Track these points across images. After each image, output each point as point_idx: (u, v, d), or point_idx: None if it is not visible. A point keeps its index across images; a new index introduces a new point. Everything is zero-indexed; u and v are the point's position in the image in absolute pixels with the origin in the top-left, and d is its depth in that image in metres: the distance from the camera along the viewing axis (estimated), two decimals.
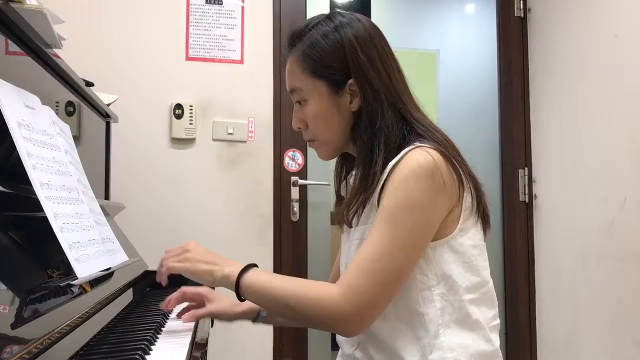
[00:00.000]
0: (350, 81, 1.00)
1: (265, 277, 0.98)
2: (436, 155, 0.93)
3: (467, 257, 0.98)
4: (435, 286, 0.96)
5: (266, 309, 1.07)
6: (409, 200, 0.91)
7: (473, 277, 0.98)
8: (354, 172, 1.05)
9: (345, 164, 1.17)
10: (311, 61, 1.01)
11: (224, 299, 1.17)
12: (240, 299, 0.98)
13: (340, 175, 1.17)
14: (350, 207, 1.01)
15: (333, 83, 1.01)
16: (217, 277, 0.98)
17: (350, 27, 1.01)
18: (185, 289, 1.14)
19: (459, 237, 0.97)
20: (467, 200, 0.98)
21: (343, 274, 0.95)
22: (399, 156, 0.94)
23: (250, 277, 0.97)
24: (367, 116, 1.00)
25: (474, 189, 0.99)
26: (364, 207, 0.99)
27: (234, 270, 0.98)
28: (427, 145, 0.95)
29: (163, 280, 1.02)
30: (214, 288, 1.20)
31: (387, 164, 0.96)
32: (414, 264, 0.94)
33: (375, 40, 1.02)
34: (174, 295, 1.12)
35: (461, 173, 0.96)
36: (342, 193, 1.16)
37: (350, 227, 1.04)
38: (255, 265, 1.00)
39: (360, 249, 0.94)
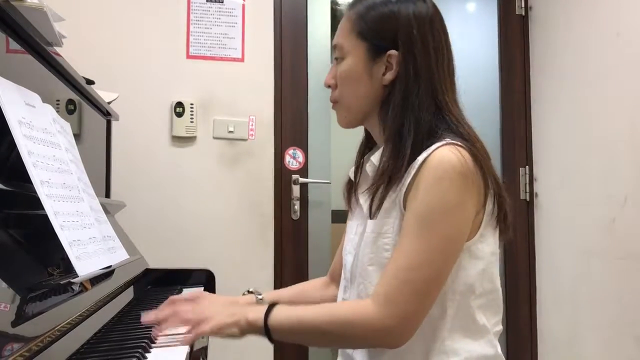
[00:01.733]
0: (391, 52, 0.98)
1: (293, 312, 0.94)
2: (467, 155, 0.91)
3: (485, 264, 0.96)
4: (450, 292, 0.94)
5: (301, 342, 1.02)
6: (443, 204, 0.89)
7: (487, 284, 0.97)
8: (372, 159, 1.01)
9: (368, 145, 1.13)
10: (362, 22, 1.01)
11: (217, 299, 1.10)
12: (272, 341, 0.93)
13: (362, 154, 1.13)
14: (376, 189, 0.97)
15: (373, 48, 1.00)
16: (242, 326, 0.92)
17: (413, 4, 1.00)
18: (174, 299, 1.04)
19: (479, 243, 0.95)
20: (489, 205, 0.95)
21: (379, 286, 0.92)
22: (428, 151, 0.92)
23: (277, 315, 0.92)
24: (403, 90, 0.98)
25: (496, 193, 0.96)
26: (386, 194, 0.96)
27: (258, 314, 0.93)
28: (458, 143, 0.92)
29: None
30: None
31: (415, 150, 0.93)
32: (451, 267, 0.92)
33: (433, 22, 1.01)
34: (165, 311, 0.98)
35: (487, 176, 0.94)
36: (357, 175, 1.12)
37: (371, 218, 0.99)
38: (275, 304, 0.95)
39: (394, 257, 0.92)
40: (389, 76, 0.99)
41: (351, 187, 1.12)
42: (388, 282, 0.90)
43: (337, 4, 2.47)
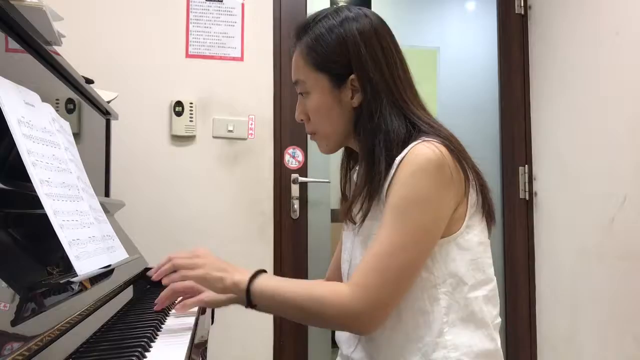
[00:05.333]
0: (352, 76, 1.00)
1: (275, 282, 0.97)
2: (443, 149, 0.93)
3: (474, 254, 0.97)
4: (441, 284, 0.95)
5: (278, 313, 1.05)
6: (417, 195, 0.91)
7: (479, 274, 0.98)
8: (357, 168, 1.06)
9: (350, 159, 1.16)
10: (315, 54, 1.02)
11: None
12: (252, 305, 0.96)
13: (346, 170, 1.16)
14: (354, 203, 1.00)
15: (335, 77, 1.01)
16: (227, 284, 0.95)
17: (356, 22, 1.01)
18: (173, 285, 1.10)
19: (466, 234, 0.97)
20: (473, 196, 0.98)
21: (354, 272, 0.94)
22: (405, 151, 0.94)
23: (261, 282, 0.95)
24: (367, 112, 1.00)
25: (478, 185, 0.99)
26: (370, 203, 0.98)
27: (243, 277, 0.96)
28: (434, 140, 0.94)
29: (162, 303, 1.02)
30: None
31: (392, 160, 0.95)
32: (424, 259, 0.94)
33: (380, 36, 1.02)
34: (164, 293, 1.06)
35: (467, 168, 0.96)
36: (346, 189, 1.16)
37: (355, 223, 1.03)
38: (264, 271, 0.99)
39: (370, 246, 0.94)
40: (357, 99, 1.01)
41: (345, 201, 1.14)
42: (362, 268, 0.93)
43: (336, 3, 2.47)
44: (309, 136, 1.13)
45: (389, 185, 0.95)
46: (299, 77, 1.05)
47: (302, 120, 1.09)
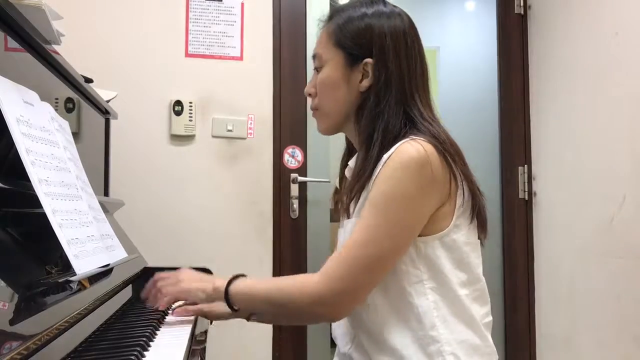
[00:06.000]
0: (366, 60, 1.03)
1: (251, 281, 1.03)
2: (429, 148, 0.94)
3: (459, 253, 0.99)
4: (426, 280, 0.97)
5: (256, 311, 1.09)
6: (395, 190, 0.93)
7: (462, 273, 0.99)
8: (350, 164, 1.09)
9: (351, 153, 1.18)
10: (340, 33, 1.06)
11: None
12: (232, 308, 1.02)
13: (345, 163, 1.18)
14: (350, 195, 1.03)
15: (350, 56, 1.04)
16: (208, 291, 1.02)
17: (387, 18, 1.05)
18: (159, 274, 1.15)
19: (453, 233, 0.98)
20: (461, 197, 0.98)
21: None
22: (392, 149, 0.96)
23: (238, 284, 1.01)
24: (375, 98, 1.02)
25: (468, 190, 1.00)
26: (358, 198, 1.00)
27: (223, 282, 1.02)
28: (421, 138, 0.96)
29: (162, 306, 1.07)
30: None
31: (382, 152, 0.97)
32: (399, 254, 0.95)
33: (407, 34, 1.05)
34: (149, 285, 1.14)
35: (455, 170, 0.97)
36: (343, 183, 1.17)
37: (349, 217, 1.04)
38: (244, 275, 1.04)
39: (346, 238, 0.97)
40: (365, 83, 1.04)
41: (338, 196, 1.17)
42: (333, 257, 0.96)
43: (336, 2, 2.47)
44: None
45: (374, 182, 0.97)
46: (318, 51, 1.09)
47: (309, 94, 1.12)
